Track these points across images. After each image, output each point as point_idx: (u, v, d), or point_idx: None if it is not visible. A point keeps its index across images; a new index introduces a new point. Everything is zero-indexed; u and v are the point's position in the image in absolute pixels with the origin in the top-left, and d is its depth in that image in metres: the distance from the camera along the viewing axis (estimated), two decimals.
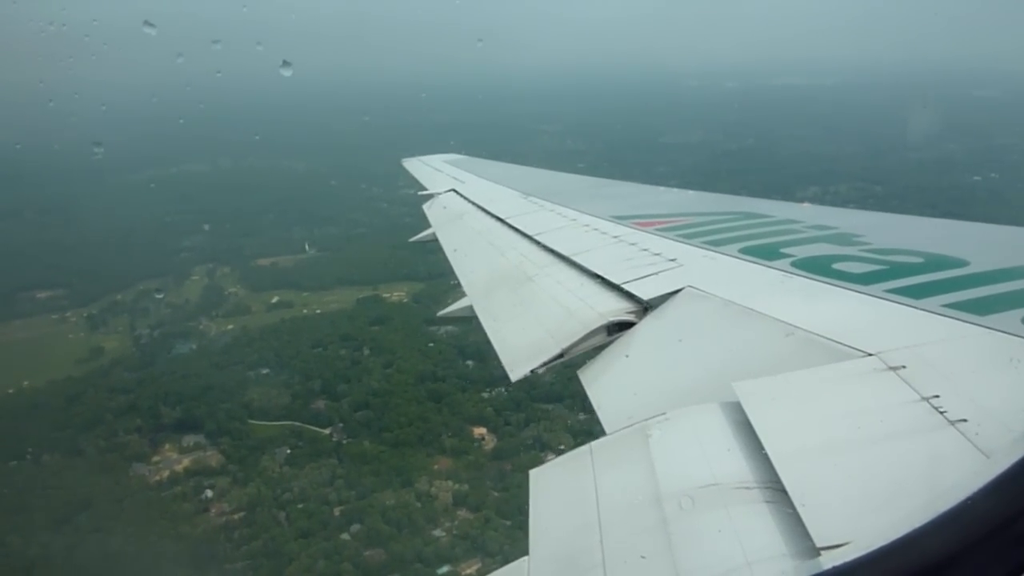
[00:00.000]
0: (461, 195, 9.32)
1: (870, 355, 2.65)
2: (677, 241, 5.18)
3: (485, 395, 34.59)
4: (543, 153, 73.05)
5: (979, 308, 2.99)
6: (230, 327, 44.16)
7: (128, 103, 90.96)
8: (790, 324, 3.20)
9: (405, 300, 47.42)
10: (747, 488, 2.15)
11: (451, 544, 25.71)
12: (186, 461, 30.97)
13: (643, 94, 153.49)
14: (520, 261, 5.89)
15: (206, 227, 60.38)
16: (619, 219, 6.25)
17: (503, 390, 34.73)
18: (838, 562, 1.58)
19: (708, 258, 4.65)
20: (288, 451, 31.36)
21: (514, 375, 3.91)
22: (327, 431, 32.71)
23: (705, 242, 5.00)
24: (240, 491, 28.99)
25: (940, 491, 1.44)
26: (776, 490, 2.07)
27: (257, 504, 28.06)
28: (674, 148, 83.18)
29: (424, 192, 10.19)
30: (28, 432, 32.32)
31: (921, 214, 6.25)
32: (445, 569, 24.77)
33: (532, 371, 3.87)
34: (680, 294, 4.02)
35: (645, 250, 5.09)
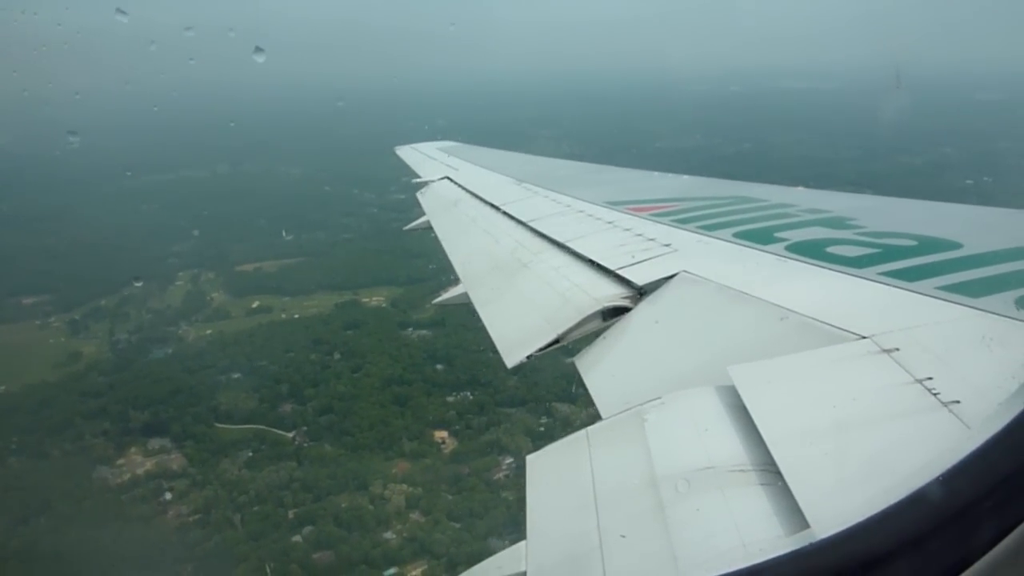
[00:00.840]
0: (455, 182, 9.37)
1: (864, 338, 2.65)
2: (671, 226, 5.18)
3: (450, 399, 34.75)
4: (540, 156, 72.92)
5: (973, 290, 2.97)
6: (208, 332, 44.53)
7: (130, 110, 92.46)
8: (784, 308, 3.20)
9: (384, 305, 47.55)
10: (742, 471, 2.15)
11: (400, 546, 25.84)
12: (149, 464, 31.27)
13: (641, 98, 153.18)
14: (515, 248, 5.91)
15: (195, 232, 60.84)
16: (613, 205, 6.26)
17: (468, 394, 34.92)
18: (829, 534, 1.58)
19: (702, 243, 4.66)
20: (250, 454, 31.60)
21: (510, 361, 3.94)
22: (290, 435, 32.92)
23: (699, 227, 5.01)
24: (198, 494, 29.28)
25: (933, 472, 1.46)
26: (771, 472, 2.07)
27: (213, 506, 28.35)
28: (669, 153, 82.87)
29: (418, 180, 10.20)
30: None
31: None
32: (392, 571, 24.91)
33: (528, 357, 3.88)
34: (675, 279, 4.05)
35: (639, 235, 5.10)
